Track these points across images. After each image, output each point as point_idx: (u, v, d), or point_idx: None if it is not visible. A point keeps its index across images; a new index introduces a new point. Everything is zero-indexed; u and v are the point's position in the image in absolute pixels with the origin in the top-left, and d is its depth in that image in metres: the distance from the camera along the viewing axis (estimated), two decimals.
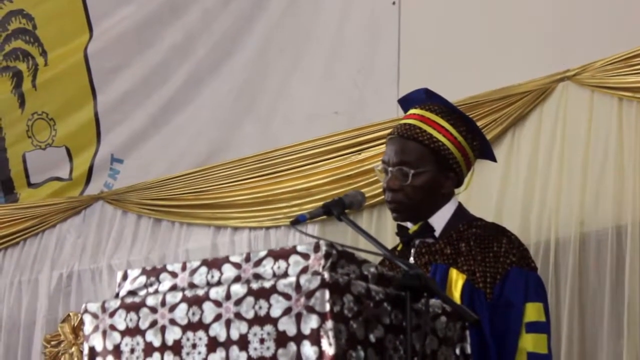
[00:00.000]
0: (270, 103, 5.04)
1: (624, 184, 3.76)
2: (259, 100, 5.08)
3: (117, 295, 2.45)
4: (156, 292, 2.38)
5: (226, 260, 2.31)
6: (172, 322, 2.29)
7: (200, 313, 2.26)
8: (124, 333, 2.36)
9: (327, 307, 2.11)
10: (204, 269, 2.34)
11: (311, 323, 2.12)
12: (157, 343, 2.31)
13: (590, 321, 3.77)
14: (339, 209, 2.71)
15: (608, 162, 3.81)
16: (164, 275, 2.39)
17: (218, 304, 2.23)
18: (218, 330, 2.23)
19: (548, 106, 4.03)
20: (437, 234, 2.95)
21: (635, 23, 3.91)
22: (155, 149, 5.42)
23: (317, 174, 4.65)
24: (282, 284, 2.16)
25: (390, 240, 3.55)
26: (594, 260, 3.80)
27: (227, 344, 2.21)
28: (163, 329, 2.30)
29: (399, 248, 3.05)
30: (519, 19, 4.25)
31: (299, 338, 2.13)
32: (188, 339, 2.27)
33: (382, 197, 3.08)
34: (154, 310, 2.32)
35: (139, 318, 2.34)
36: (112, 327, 2.38)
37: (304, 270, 2.19)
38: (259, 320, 2.17)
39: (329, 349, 2.09)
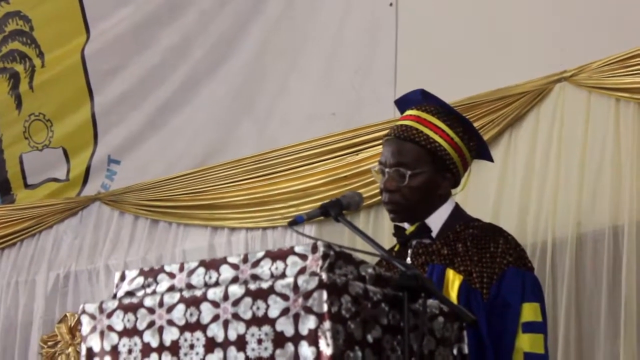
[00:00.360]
0: (267, 104, 5.03)
1: (621, 185, 3.76)
2: (256, 102, 5.07)
3: (114, 296, 2.45)
4: (154, 292, 2.38)
5: (224, 261, 2.32)
6: (170, 322, 2.29)
7: (197, 314, 2.26)
8: (121, 334, 2.36)
9: (325, 307, 2.11)
10: (201, 270, 2.34)
11: (309, 323, 2.12)
12: (154, 344, 2.31)
13: (587, 321, 3.77)
14: (336, 209, 2.71)
15: (605, 163, 3.81)
16: (161, 276, 2.40)
17: (216, 304, 2.23)
18: (216, 331, 2.23)
19: (545, 107, 4.03)
20: (434, 234, 2.96)
21: (633, 24, 3.91)
22: (152, 150, 5.41)
23: (314, 174, 4.65)
24: (279, 285, 2.16)
25: (387, 241, 3.54)
26: (591, 261, 3.80)
27: (225, 344, 2.21)
28: (161, 330, 2.30)
29: (396, 249, 3.05)
30: (516, 20, 4.25)
31: (296, 338, 2.13)
32: (186, 340, 2.27)
33: (379, 198, 3.08)
34: (151, 310, 2.32)
35: (136, 319, 2.34)
36: (110, 328, 2.38)
37: (302, 271, 2.19)
38: (257, 321, 2.17)
39: (326, 350, 2.10)
